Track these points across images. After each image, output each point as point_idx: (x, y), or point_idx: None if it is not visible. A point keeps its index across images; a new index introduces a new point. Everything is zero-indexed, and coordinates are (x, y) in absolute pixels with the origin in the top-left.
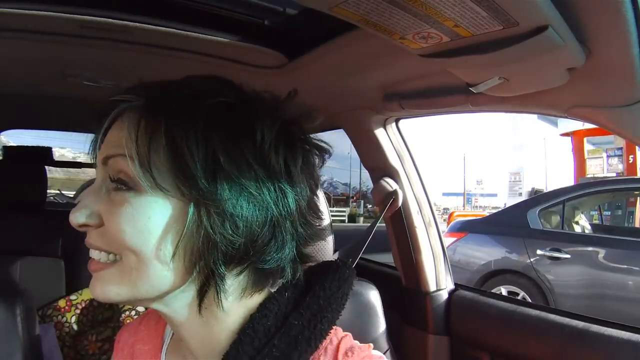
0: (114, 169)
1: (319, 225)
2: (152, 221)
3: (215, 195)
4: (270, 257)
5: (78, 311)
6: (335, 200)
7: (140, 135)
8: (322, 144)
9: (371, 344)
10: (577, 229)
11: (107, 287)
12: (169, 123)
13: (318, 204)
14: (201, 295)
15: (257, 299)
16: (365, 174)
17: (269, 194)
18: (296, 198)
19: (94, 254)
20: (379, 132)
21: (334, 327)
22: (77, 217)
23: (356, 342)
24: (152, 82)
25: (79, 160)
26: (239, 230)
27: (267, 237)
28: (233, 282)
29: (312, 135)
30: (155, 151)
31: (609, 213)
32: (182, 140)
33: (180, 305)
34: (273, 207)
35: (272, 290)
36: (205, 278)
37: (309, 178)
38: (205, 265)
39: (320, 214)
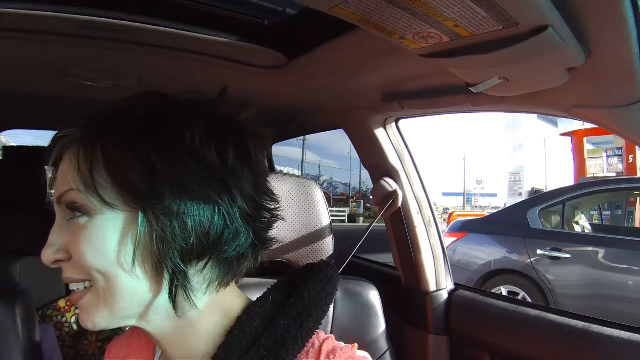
0: (67, 203)
1: (273, 207)
2: (108, 238)
3: (158, 198)
4: (227, 246)
5: (78, 311)
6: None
7: (81, 164)
8: (259, 130)
9: (355, 344)
10: (577, 229)
11: (92, 315)
12: (103, 144)
13: (270, 186)
14: (172, 297)
15: (232, 300)
16: (365, 174)
17: (211, 187)
18: (239, 186)
19: (73, 287)
20: (379, 132)
21: (316, 332)
22: (47, 255)
23: (340, 343)
24: (87, 112)
25: None
26: (187, 226)
27: (219, 228)
28: (198, 278)
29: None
30: (98, 172)
31: (609, 213)
32: (117, 156)
33: (160, 318)
34: (217, 198)
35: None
36: (171, 279)
37: (251, 163)
38: (165, 266)
39: (273, 196)
